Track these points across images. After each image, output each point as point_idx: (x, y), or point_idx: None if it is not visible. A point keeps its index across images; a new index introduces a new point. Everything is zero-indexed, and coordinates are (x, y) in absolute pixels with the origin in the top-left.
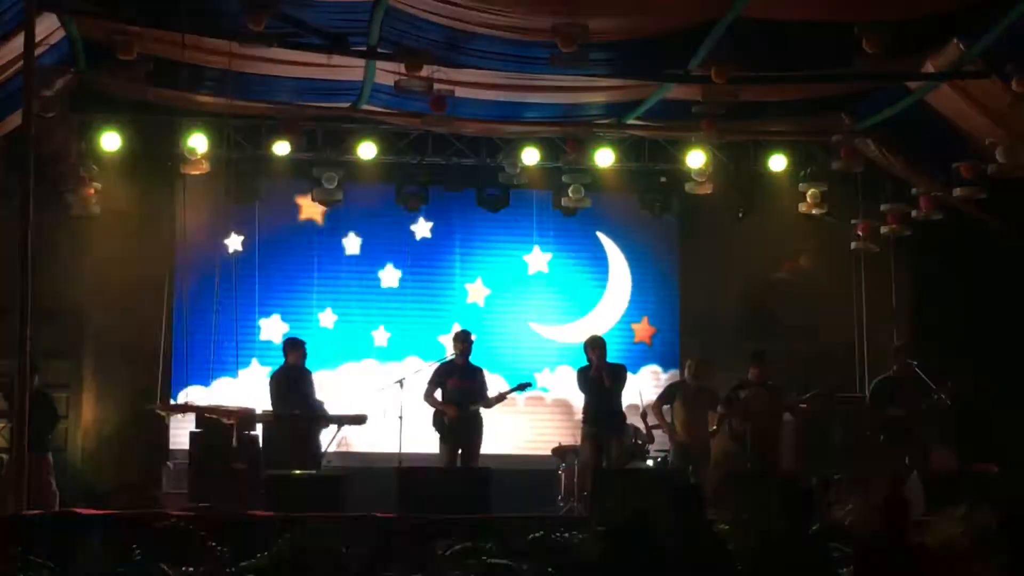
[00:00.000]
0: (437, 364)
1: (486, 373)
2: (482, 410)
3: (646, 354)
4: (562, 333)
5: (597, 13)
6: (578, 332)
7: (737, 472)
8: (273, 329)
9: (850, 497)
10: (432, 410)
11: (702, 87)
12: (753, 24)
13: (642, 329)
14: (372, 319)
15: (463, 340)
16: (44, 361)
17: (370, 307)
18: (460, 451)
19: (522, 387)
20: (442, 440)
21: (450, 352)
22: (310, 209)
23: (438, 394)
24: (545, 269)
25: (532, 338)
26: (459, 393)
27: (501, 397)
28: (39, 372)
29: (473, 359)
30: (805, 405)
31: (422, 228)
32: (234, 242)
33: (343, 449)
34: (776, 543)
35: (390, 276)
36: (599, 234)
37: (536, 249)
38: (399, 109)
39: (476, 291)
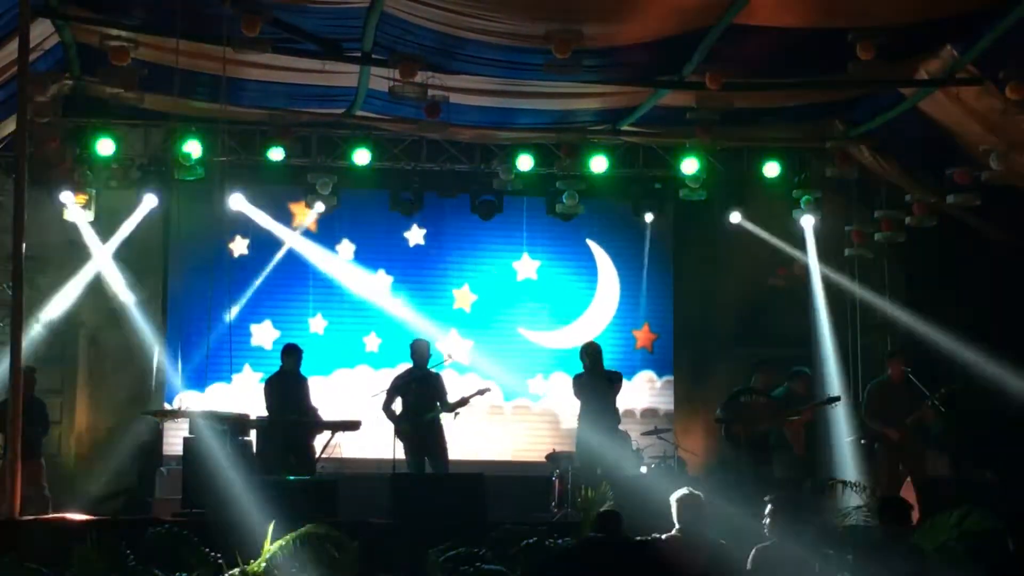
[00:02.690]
0: (394, 377)
1: (477, 379)
2: (445, 416)
3: (642, 361)
4: (551, 339)
5: (591, 19)
6: (566, 338)
7: (735, 478)
8: (264, 335)
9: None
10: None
11: (696, 93)
12: (747, 30)
13: (643, 336)
14: (363, 325)
15: (419, 349)
16: (37, 366)
17: (361, 313)
18: (426, 458)
19: (481, 392)
20: (406, 450)
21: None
22: (303, 215)
23: (397, 404)
24: (534, 276)
25: (521, 344)
26: (416, 402)
27: (462, 402)
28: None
29: (466, 365)
30: (798, 418)
31: (415, 234)
32: (239, 246)
33: (336, 455)
34: (772, 548)
35: (381, 282)
36: (588, 241)
37: (525, 256)
38: (393, 115)
39: (463, 297)
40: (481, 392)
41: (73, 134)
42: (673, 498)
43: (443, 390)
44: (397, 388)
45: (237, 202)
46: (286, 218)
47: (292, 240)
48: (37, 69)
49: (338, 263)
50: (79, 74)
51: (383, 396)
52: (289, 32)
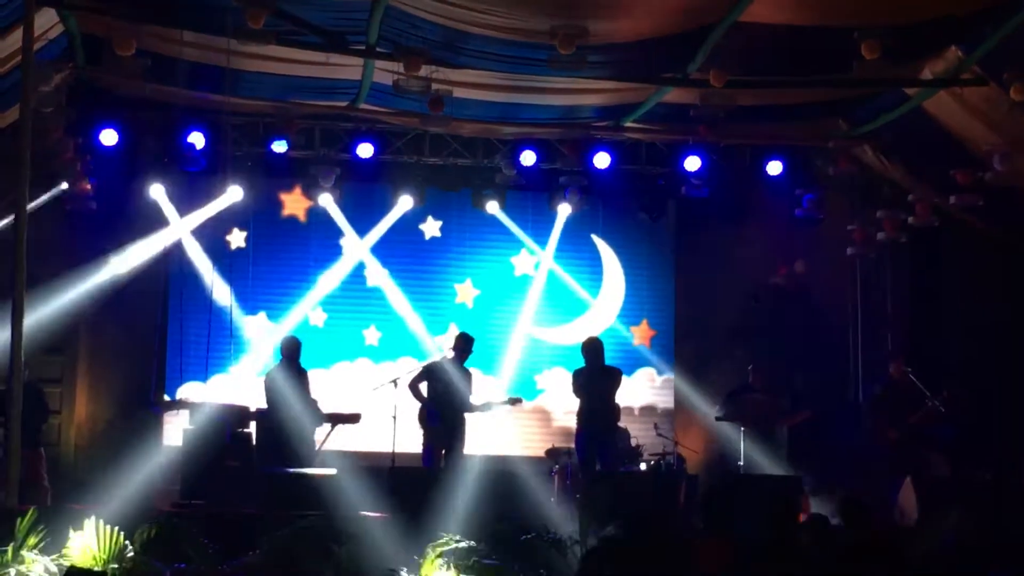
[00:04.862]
0: (431, 359)
1: (479, 375)
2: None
3: (642, 357)
4: (556, 335)
5: (595, 15)
6: (572, 334)
7: (731, 475)
8: (258, 327)
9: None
10: (419, 404)
11: (700, 91)
12: (751, 28)
13: (641, 332)
14: (362, 318)
15: (461, 342)
16: (37, 356)
17: (360, 306)
18: (444, 452)
19: (513, 402)
20: (427, 439)
21: (448, 351)
22: (293, 206)
23: (423, 387)
24: (532, 272)
25: (525, 340)
26: (446, 394)
27: (487, 407)
28: (29, 366)
29: (469, 360)
30: (796, 419)
31: (431, 227)
32: (236, 238)
33: (336, 447)
34: (767, 546)
35: (382, 275)
36: (594, 237)
37: (523, 252)
38: (397, 109)
39: (465, 292)
40: (512, 402)
41: (76, 124)
42: None
43: (470, 390)
44: (429, 373)
45: (237, 193)
46: (276, 208)
47: (292, 232)
48: (41, 59)
49: (339, 256)
50: (83, 64)
51: (413, 372)
52: (294, 24)
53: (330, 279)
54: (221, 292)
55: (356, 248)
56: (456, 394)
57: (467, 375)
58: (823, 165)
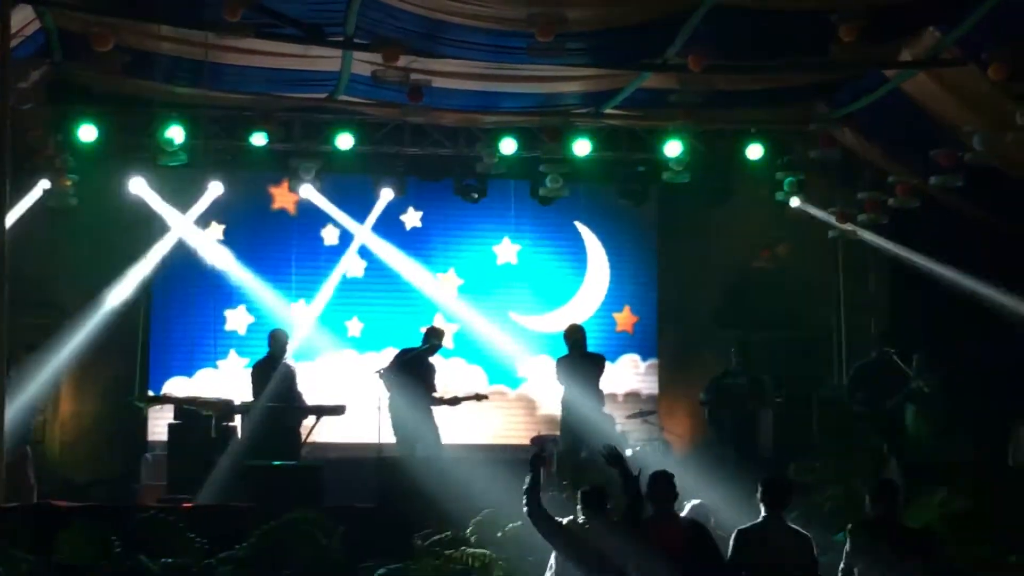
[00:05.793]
0: (401, 350)
1: (463, 363)
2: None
3: (626, 343)
4: (541, 323)
5: (573, 2)
6: (557, 322)
7: (717, 459)
8: (238, 320)
9: (829, 484)
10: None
11: (679, 76)
12: (730, 12)
13: (624, 318)
14: (344, 310)
15: (429, 334)
16: (22, 353)
17: (342, 297)
18: (417, 444)
19: (478, 397)
20: (395, 431)
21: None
22: (283, 199)
23: (390, 376)
24: (514, 260)
25: (510, 328)
26: (412, 384)
27: (455, 401)
28: (16, 364)
29: (453, 349)
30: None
31: (411, 217)
32: (215, 231)
33: (322, 439)
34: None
35: (360, 266)
36: (577, 224)
37: (505, 240)
38: (376, 99)
39: (448, 281)
40: (478, 398)
41: (55, 121)
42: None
43: (434, 381)
44: (400, 361)
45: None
46: (266, 202)
47: (274, 225)
48: (19, 55)
49: (324, 248)
50: (61, 60)
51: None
52: (271, 17)
53: (312, 271)
54: (203, 286)
55: (338, 239)
56: (421, 385)
57: (431, 367)
58: (804, 148)
